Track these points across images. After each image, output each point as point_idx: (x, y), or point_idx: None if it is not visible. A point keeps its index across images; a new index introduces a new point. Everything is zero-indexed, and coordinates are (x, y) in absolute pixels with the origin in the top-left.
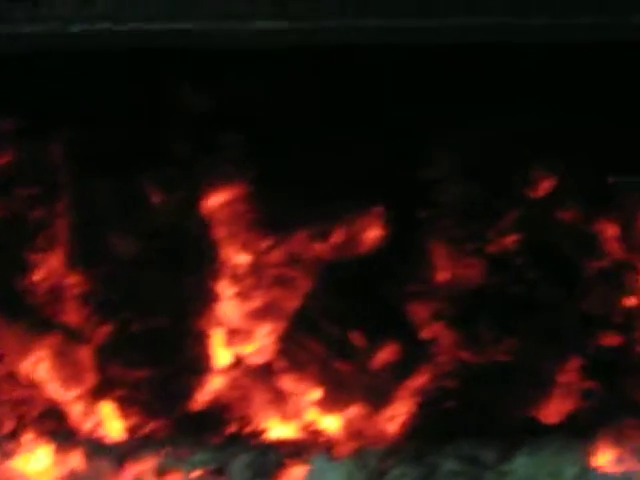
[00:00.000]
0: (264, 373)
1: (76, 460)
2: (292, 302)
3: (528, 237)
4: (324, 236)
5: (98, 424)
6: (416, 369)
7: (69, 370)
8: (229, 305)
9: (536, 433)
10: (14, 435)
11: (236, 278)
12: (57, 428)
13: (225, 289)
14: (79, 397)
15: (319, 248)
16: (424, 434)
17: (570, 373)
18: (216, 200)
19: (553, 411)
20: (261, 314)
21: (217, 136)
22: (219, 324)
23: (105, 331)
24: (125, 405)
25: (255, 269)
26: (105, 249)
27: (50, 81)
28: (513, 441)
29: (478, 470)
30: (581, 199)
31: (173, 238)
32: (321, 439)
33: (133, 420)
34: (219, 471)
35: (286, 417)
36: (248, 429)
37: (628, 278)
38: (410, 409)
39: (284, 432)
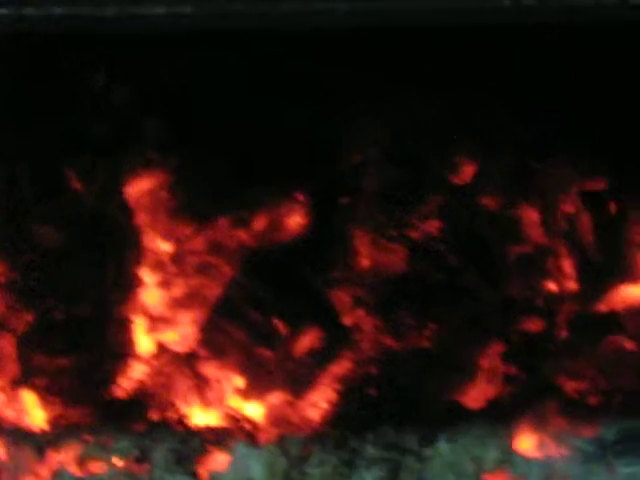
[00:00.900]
0: (186, 360)
1: None
2: (214, 289)
3: (449, 223)
4: (246, 223)
5: (20, 413)
6: (338, 355)
7: None
8: (151, 292)
9: (458, 418)
10: None
11: (158, 265)
12: None
13: (147, 276)
14: (0, 386)
15: (241, 235)
16: (346, 420)
17: (491, 358)
18: (137, 187)
19: (475, 396)
20: (183, 301)
21: (138, 122)
22: (141, 311)
23: (26, 319)
24: (47, 394)
25: (177, 256)
26: (26, 237)
27: None
28: (435, 426)
29: (400, 456)
30: (502, 184)
31: (94, 225)
32: (243, 426)
33: (55, 409)
34: (141, 458)
35: (208, 404)
36: (170, 416)
37: (549, 263)
38: (332, 395)
39: (206, 419)
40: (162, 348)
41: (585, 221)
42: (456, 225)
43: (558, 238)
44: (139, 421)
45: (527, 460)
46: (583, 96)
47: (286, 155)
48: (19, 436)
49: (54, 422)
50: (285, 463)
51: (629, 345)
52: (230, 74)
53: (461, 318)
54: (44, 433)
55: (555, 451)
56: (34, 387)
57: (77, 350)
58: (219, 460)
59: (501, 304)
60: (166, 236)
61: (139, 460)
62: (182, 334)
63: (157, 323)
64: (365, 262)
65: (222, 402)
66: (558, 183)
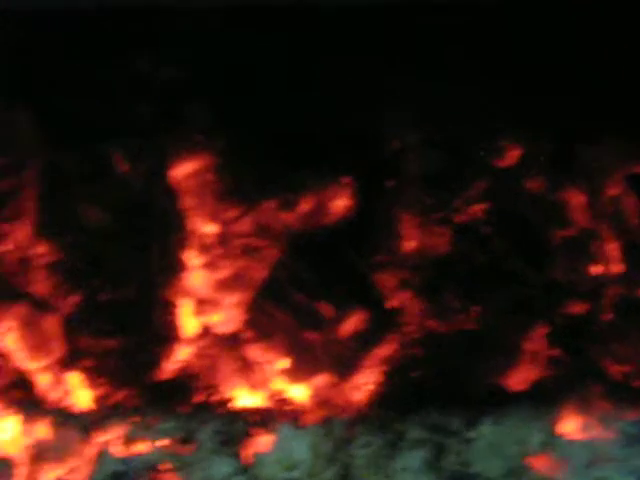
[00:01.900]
0: (231, 342)
1: (43, 429)
2: (259, 272)
3: (495, 206)
4: (291, 206)
5: (66, 393)
6: (383, 338)
7: (37, 340)
8: (197, 275)
9: (502, 401)
10: None
11: (204, 248)
12: (25, 397)
13: (193, 259)
14: (47, 367)
15: (286, 218)
16: (390, 402)
17: (536, 341)
18: (183, 170)
19: (519, 379)
20: (229, 284)
21: (184, 106)
22: (187, 294)
23: (73, 301)
24: (93, 375)
25: (222, 239)
26: (73, 219)
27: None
28: (479, 409)
29: (444, 437)
30: (547, 168)
31: (141, 207)
32: (288, 408)
33: (101, 389)
34: (187, 439)
35: (253, 386)
36: (215, 398)
37: (594, 246)
38: (376, 378)
39: (251, 401)
40: (207, 330)
41: (630, 204)
42: (501, 208)
43: (603, 221)
44: (184, 403)
45: (570, 443)
46: (629, 79)
47: (332, 138)
48: (65, 416)
49: (100, 403)
50: (330, 445)
51: None
52: (277, 57)
53: (506, 301)
54: (90, 414)
55: (599, 434)
56: (80, 368)
57: (123, 332)
58: (264, 442)
59: (546, 287)
60: (212, 218)
61: (184, 441)
62: (227, 316)
63: (202, 305)
64: (410, 245)
65: (267, 384)
66: (603, 166)
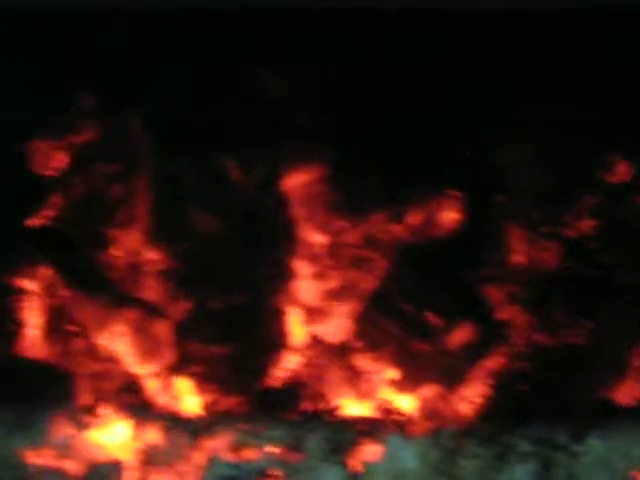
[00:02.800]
0: (340, 352)
1: (153, 434)
2: (368, 282)
3: (604, 221)
4: (400, 218)
5: (175, 399)
6: (491, 350)
7: (147, 345)
8: (306, 284)
9: (610, 415)
10: (92, 408)
11: (313, 257)
12: (134, 402)
13: (302, 268)
14: (156, 372)
15: (396, 229)
16: (498, 415)
17: None
18: (295, 180)
19: (627, 393)
20: (338, 293)
21: (296, 117)
22: (296, 302)
23: (183, 307)
24: (202, 381)
25: (332, 249)
26: (184, 226)
27: (130, 56)
28: (586, 423)
29: (551, 451)
30: None
31: (252, 216)
32: (396, 418)
33: (209, 396)
34: (295, 447)
35: (361, 395)
36: (323, 406)
37: None
38: (484, 390)
39: (359, 410)
40: (316, 339)
41: None
42: (611, 224)
43: None
44: (293, 411)
45: None
46: None
47: (441, 152)
48: (174, 421)
49: (208, 409)
50: (438, 455)
51: None
52: (386, 71)
53: (614, 315)
54: (199, 419)
55: None
56: (189, 374)
57: (232, 339)
58: (372, 451)
59: None
60: (321, 229)
61: (293, 449)
62: (336, 326)
63: (311, 315)
64: (519, 259)
65: (375, 394)
66: None
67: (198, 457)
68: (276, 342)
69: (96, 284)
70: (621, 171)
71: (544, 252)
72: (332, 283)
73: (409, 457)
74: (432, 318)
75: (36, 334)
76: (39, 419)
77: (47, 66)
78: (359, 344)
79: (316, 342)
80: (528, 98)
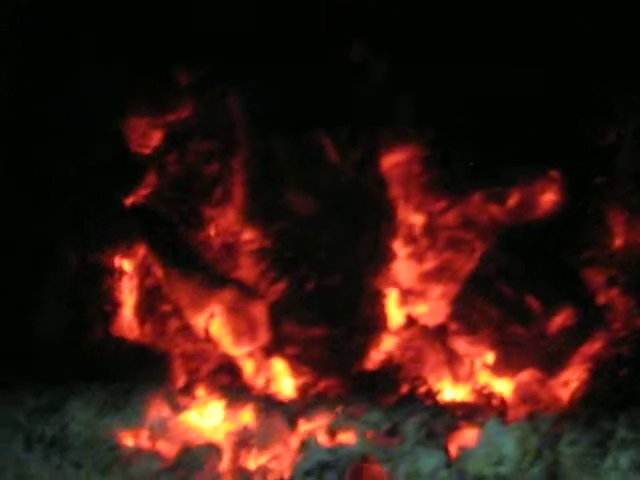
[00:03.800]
0: (437, 334)
1: (248, 416)
2: (466, 264)
3: None
4: (500, 199)
5: (270, 381)
6: (591, 335)
7: (242, 325)
8: (403, 265)
9: None
10: (187, 389)
11: (411, 238)
12: (230, 383)
13: (400, 249)
14: (252, 353)
15: (494, 211)
16: (597, 400)
17: None
18: (393, 160)
19: None
20: (435, 275)
21: (396, 97)
22: (393, 284)
23: (279, 288)
24: (297, 363)
25: (430, 230)
26: (281, 206)
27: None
28: None
29: None
30: None
31: (350, 196)
32: (494, 402)
33: (305, 378)
34: (392, 431)
35: (458, 379)
36: (421, 390)
37: None
38: (583, 375)
39: (457, 394)
40: (412, 321)
41: None
42: None
43: None
44: (389, 394)
45: None
46: None
47: (542, 133)
48: (269, 403)
49: (304, 391)
50: (536, 441)
51: None
52: (480, 51)
53: None
54: (294, 402)
55: None
56: (285, 355)
57: (328, 320)
58: (469, 436)
59: None
60: (419, 209)
61: (390, 433)
62: (433, 308)
63: (408, 296)
64: (619, 241)
65: (473, 378)
66: None
67: (293, 440)
68: (373, 324)
69: (191, 264)
70: None
71: None
72: (429, 265)
73: (508, 442)
74: (532, 301)
75: (132, 314)
76: (133, 400)
77: (144, 44)
78: (457, 327)
79: (413, 324)
80: (628, 80)
